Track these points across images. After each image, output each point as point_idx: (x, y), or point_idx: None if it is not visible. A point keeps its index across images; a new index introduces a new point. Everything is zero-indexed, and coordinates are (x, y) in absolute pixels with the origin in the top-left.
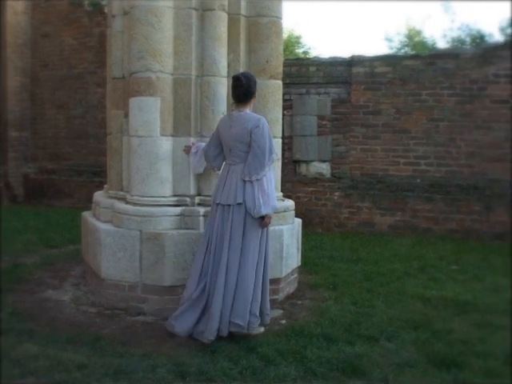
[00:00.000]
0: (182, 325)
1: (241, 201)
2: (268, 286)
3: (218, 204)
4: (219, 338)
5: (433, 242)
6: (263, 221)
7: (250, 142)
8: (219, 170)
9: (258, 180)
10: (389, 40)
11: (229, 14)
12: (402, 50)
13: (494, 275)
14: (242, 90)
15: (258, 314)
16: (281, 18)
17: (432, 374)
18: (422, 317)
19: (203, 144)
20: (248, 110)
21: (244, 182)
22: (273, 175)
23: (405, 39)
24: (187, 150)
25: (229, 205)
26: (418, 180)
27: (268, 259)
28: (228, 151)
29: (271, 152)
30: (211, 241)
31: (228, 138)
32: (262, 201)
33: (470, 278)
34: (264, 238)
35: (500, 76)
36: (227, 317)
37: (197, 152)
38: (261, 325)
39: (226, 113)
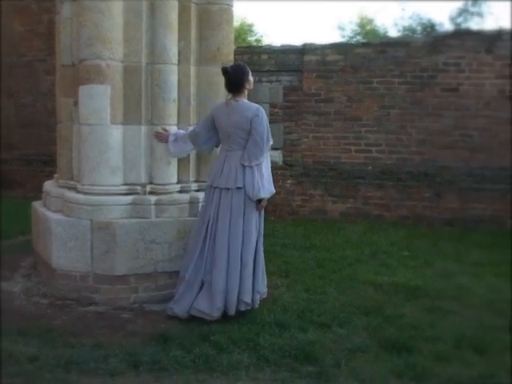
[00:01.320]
0: (180, 306)
1: (241, 185)
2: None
3: (215, 188)
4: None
5: (384, 229)
6: (260, 204)
7: (250, 129)
8: (209, 153)
9: (257, 165)
10: (341, 28)
11: (179, 1)
12: (354, 39)
13: (443, 261)
14: (232, 81)
15: (260, 289)
16: (232, 6)
17: (383, 359)
18: (373, 302)
19: (180, 131)
20: (244, 99)
21: (243, 167)
22: (269, 161)
23: (357, 28)
24: (161, 137)
25: (228, 188)
26: (370, 167)
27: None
28: (226, 137)
29: (269, 139)
30: (209, 223)
31: (227, 125)
32: (260, 184)
33: (421, 263)
34: (261, 220)
35: (449, 64)
36: (235, 296)
37: (176, 139)
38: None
39: (176, 100)
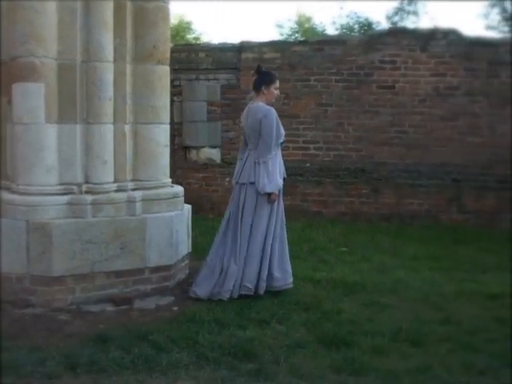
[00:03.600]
0: (202, 289)
1: (253, 180)
2: (287, 251)
3: (237, 183)
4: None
5: (322, 225)
6: (270, 198)
7: (260, 129)
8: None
9: (264, 162)
10: (280, 27)
11: None
12: (293, 37)
13: (381, 256)
14: (255, 81)
15: (265, 279)
16: (168, 3)
17: (322, 354)
18: (312, 298)
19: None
20: (261, 103)
21: (255, 163)
22: (278, 158)
23: (295, 26)
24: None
25: (244, 183)
26: (308, 164)
27: (283, 231)
28: (247, 138)
29: (278, 138)
30: (231, 215)
31: (246, 126)
32: (266, 180)
33: (359, 259)
34: (274, 214)
35: (385, 62)
36: (239, 281)
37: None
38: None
39: (112, 99)
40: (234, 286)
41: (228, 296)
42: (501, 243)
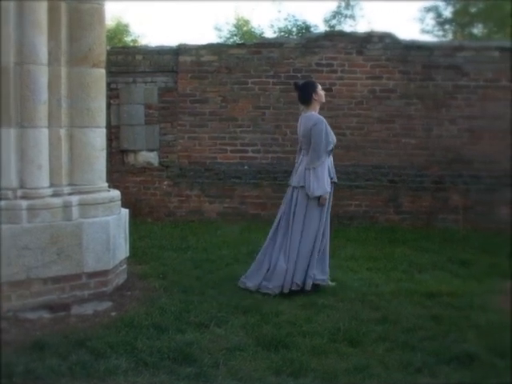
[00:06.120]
0: (252, 281)
1: (303, 184)
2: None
3: (289, 185)
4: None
5: (261, 228)
6: (319, 201)
7: (310, 137)
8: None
9: (314, 168)
10: (218, 29)
11: None
12: (231, 40)
13: None
14: (300, 95)
15: (312, 276)
16: (103, 5)
17: (261, 356)
18: (250, 301)
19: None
20: (313, 112)
21: (306, 169)
22: (328, 164)
23: (233, 28)
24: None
25: (295, 187)
26: (246, 167)
27: (326, 232)
28: (301, 144)
29: (327, 145)
30: (282, 216)
31: (299, 134)
32: (316, 185)
33: None
34: (324, 217)
35: (322, 65)
36: (290, 277)
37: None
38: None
39: (47, 102)
40: (284, 282)
41: (277, 291)
42: (437, 243)
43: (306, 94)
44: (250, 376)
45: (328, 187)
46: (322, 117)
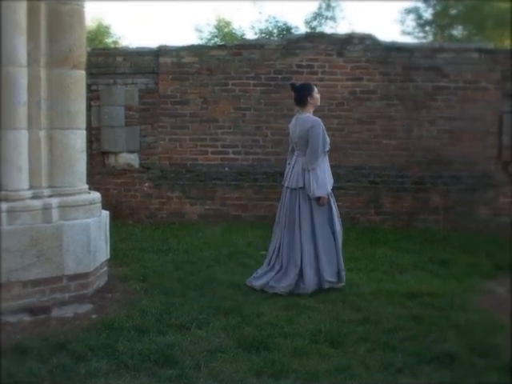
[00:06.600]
0: (258, 281)
1: (302, 185)
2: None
3: (286, 187)
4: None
5: (242, 229)
6: (319, 201)
7: (308, 138)
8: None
9: (313, 169)
10: (199, 30)
11: (28, 0)
12: (212, 41)
13: None
14: (296, 97)
15: (343, 268)
16: (83, 7)
17: (242, 358)
18: (232, 303)
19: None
20: (308, 113)
21: (304, 170)
22: (326, 164)
23: (214, 30)
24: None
25: (294, 188)
26: (227, 168)
27: (336, 231)
28: (296, 146)
29: (324, 146)
30: (285, 218)
31: (294, 135)
32: (316, 185)
33: None
34: (333, 213)
35: (303, 66)
36: (316, 277)
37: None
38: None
39: (26, 104)
40: (311, 281)
41: (287, 291)
42: (417, 243)
43: (301, 96)
44: (231, 378)
45: (330, 187)
46: (318, 118)
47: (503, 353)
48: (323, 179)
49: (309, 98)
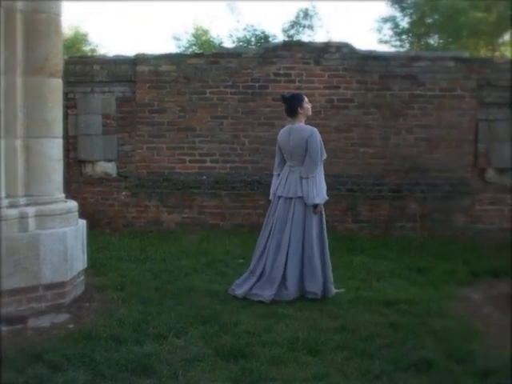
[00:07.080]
0: (240, 289)
1: (300, 194)
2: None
3: (279, 197)
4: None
5: (220, 237)
6: (315, 209)
7: (306, 147)
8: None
9: (312, 177)
10: (177, 39)
11: (4, 8)
12: (190, 49)
13: None
14: (287, 108)
15: (331, 281)
16: (60, 15)
17: (220, 366)
18: (209, 311)
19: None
20: (301, 123)
21: (302, 179)
22: (322, 172)
23: (192, 38)
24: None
25: (290, 198)
26: (204, 177)
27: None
28: (289, 156)
29: (322, 154)
30: (273, 226)
31: (287, 145)
32: (315, 193)
33: None
34: (323, 224)
35: (280, 75)
36: (296, 286)
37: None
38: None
39: (2, 112)
40: (294, 288)
41: (270, 299)
42: (395, 251)
43: (292, 107)
44: None
45: (326, 195)
46: (314, 127)
47: (479, 359)
48: (321, 187)
49: (299, 109)
